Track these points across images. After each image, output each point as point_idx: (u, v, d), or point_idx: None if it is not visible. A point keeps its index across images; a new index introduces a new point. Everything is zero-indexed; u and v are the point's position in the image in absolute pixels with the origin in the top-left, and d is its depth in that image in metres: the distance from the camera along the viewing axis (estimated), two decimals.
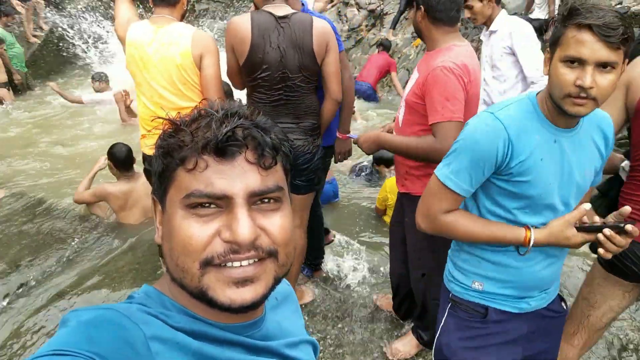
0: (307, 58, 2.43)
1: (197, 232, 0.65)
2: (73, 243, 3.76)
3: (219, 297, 0.65)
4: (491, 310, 1.56)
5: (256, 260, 0.67)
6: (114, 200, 3.97)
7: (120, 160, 3.87)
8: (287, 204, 0.72)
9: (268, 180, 0.68)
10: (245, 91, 2.62)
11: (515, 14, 7.57)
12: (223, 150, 0.65)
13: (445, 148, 1.70)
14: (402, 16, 9.78)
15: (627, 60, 1.30)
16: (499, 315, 1.56)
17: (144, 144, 2.65)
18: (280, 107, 2.48)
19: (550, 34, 2.62)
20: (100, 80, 7.31)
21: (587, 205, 1.39)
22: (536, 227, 1.45)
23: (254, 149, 0.67)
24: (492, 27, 3.24)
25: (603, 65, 1.24)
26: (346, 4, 11.05)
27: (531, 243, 1.43)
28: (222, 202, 0.65)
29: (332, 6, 11.58)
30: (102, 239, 3.87)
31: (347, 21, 10.74)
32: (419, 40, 8.96)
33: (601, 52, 1.22)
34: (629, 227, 1.34)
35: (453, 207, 1.49)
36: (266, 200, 0.68)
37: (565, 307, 1.71)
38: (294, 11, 2.47)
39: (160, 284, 0.74)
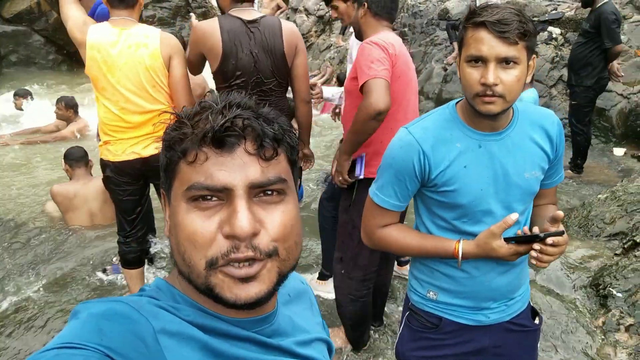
0: (279, 62, 2.46)
1: (201, 227, 0.64)
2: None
3: (225, 293, 0.65)
4: (445, 321, 1.53)
5: (255, 259, 0.66)
6: (59, 200, 3.92)
7: (74, 156, 3.89)
8: (292, 197, 0.71)
9: (269, 171, 0.67)
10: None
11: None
12: (221, 141, 0.65)
13: (373, 103, 1.85)
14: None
15: (533, 56, 1.32)
16: (453, 326, 1.52)
17: (107, 151, 2.55)
18: None
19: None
20: (25, 96, 6.84)
21: (514, 215, 1.31)
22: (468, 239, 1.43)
23: (253, 139, 0.66)
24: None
25: (505, 62, 1.24)
26: (295, 10, 11.13)
27: (459, 255, 1.40)
28: (222, 195, 0.65)
29: (281, 12, 11.64)
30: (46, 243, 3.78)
31: (297, 27, 10.81)
32: None
33: (499, 48, 1.23)
34: (562, 238, 1.29)
35: (388, 222, 1.50)
36: (269, 192, 0.67)
37: (537, 322, 1.63)
38: (261, 15, 2.49)
39: (172, 277, 0.74)
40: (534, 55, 1.32)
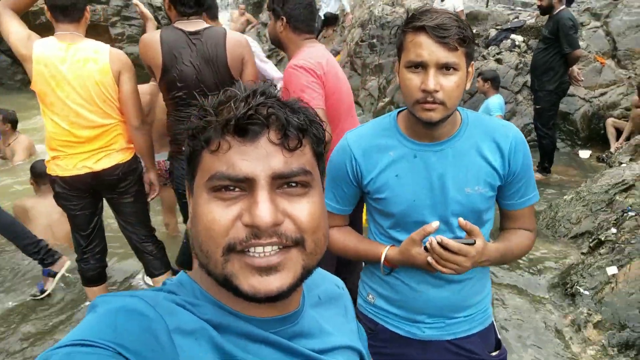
0: (222, 74, 2.43)
1: (219, 216, 0.62)
2: None
3: (243, 285, 0.62)
4: (380, 327, 1.49)
5: (280, 247, 0.63)
6: (17, 213, 3.84)
7: (40, 171, 3.80)
8: (317, 190, 0.68)
9: (293, 162, 0.64)
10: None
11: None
12: (244, 129, 0.63)
13: None
14: (320, 35, 10.05)
15: (472, 63, 1.28)
16: (388, 334, 1.48)
17: (56, 166, 2.51)
18: None
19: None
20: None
21: (435, 224, 1.26)
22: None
23: (277, 129, 0.64)
24: None
25: (445, 67, 1.21)
26: (265, 25, 11.19)
27: (382, 259, 1.38)
28: (245, 185, 0.63)
29: (252, 28, 11.70)
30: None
31: (267, 41, 10.86)
32: (338, 57, 9.24)
33: (439, 53, 1.19)
34: (478, 243, 1.25)
35: (333, 224, 1.49)
36: (293, 184, 0.65)
37: (495, 354, 1.50)
38: (207, 26, 2.46)
39: (194, 272, 0.72)
40: (472, 62, 1.29)
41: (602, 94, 6.55)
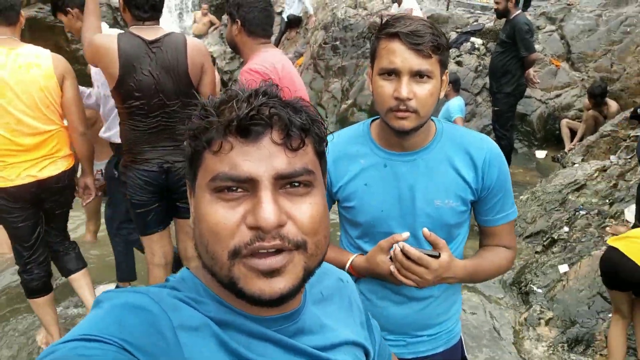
0: (183, 83, 2.38)
1: (223, 218, 0.62)
2: None
3: (249, 288, 0.62)
4: None
5: (283, 250, 0.63)
6: None
7: None
8: (319, 190, 0.68)
9: (296, 162, 0.64)
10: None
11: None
12: (247, 130, 0.62)
13: None
14: (283, 37, 10.02)
15: (446, 71, 1.26)
16: None
17: None
18: (160, 132, 2.41)
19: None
20: None
21: (405, 234, 1.23)
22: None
23: (280, 129, 0.63)
24: None
25: (419, 75, 1.18)
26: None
27: (347, 267, 1.33)
28: (247, 185, 0.63)
29: (214, 29, 11.57)
30: None
31: None
32: (301, 60, 9.23)
33: (412, 60, 1.16)
34: (443, 257, 1.21)
35: None
36: (296, 184, 0.64)
37: None
38: (166, 32, 2.40)
39: (197, 268, 0.72)
40: (447, 70, 1.26)
41: (557, 96, 6.74)
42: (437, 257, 1.20)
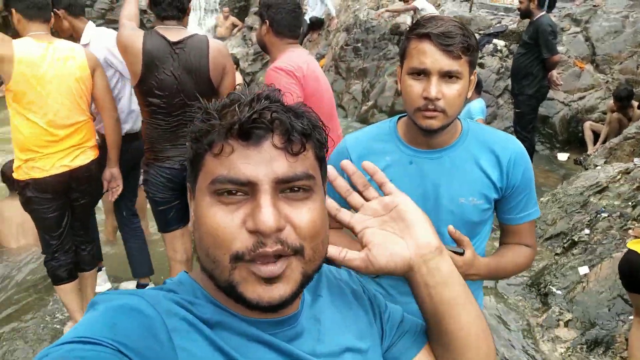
0: (204, 85, 2.43)
1: (223, 222, 0.62)
2: None
3: (248, 293, 0.63)
4: None
5: (282, 256, 0.64)
6: None
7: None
8: (319, 195, 0.68)
9: (296, 167, 0.64)
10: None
11: None
12: (248, 133, 0.63)
13: None
14: (305, 39, 10.09)
15: (475, 71, 1.28)
16: None
17: (32, 169, 2.50)
18: (181, 131, 2.48)
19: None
20: None
21: None
22: None
23: (281, 133, 0.64)
24: (82, 41, 2.90)
25: (448, 75, 1.20)
26: (250, 29, 11.21)
27: None
28: (247, 189, 0.63)
29: (238, 31, 11.71)
30: None
31: (252, 45, 10.89)
32: (323, 61, 9.28)
33: (442, 61, 1.19)
34: (467, 254, 1.23)
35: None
36: (295, 189, 0.65)
37: None
38: (189, 34, 2.46)
39: (195, 272, 0.73)
40: (475, 71, 1.28)
41: (580, 98, 6.65)
42: (461, 254, 1.21)
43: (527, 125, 5.51)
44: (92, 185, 2.75)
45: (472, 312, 0.80)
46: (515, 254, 1.42)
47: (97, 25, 3.01)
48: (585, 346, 2.82)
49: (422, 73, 1.21)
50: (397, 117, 1.42)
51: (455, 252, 1.21)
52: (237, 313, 0.68)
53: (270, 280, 0.63)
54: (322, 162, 0.72)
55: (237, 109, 0.64)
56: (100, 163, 2.75)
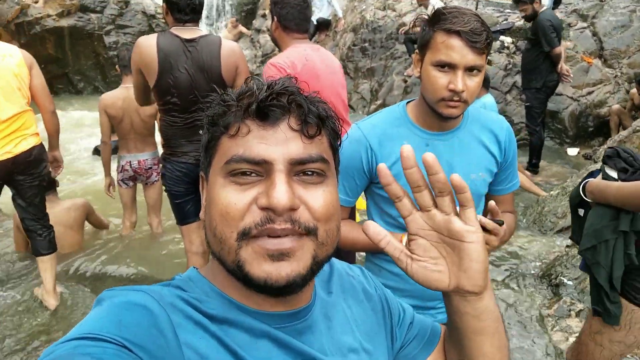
0: (216, 81, 2.48)
1: (235, 199, 0.62)
2: None
3: (255, 270, 0.62)
4: None
5: (293, 234, 0.63)
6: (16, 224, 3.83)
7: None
8: (332, 180, 0.69)
9: (311, 149, 0.65)
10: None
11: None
12: (265, 113, 0.63)
13: None
14: (312, 40, 10.15)
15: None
16: None
17: None
18: (195, 127, 2.55)
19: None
20: None
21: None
22: None
23: (297, 115, 0.64)
24: None
25: (470, 69, 1.29)
26: (258, 31, 11.30)
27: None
28: (261, 169, 0.63)
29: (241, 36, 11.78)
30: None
31: (260, 47, 10.97)
32: None
33: (469, 57, 1.27)
34: (500, 227, 1.28)
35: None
36: (309, 172, 0.65)
37: None
38: (203, 34, 2.53)
39: (205, 268, 0.73)
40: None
41: (589, 93, 6.65)
42: (502, 224, 1.28)
43: (537, 118, 5.55)
44: (36, 168, 2.98)
45: (496, 343, 0.76)
46: (510, 220, 1.55)
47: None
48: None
49: (447, 66, 1.29)
50: (404, 102, 1.49)
51: (498, 224, 1.27)
52: (248, 306, 0.67)
53: (278, 257, 0.61)
54: (335, 152, 0.72)
55: (255, 91, 0.65)
56: (43, 148, 3.03)
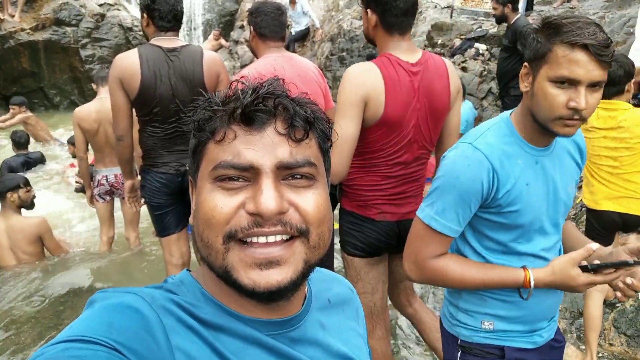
0: (198, 91, 2.49)
1: (221, 203, 0.62)
2: None
3: (242, 278, 0.61)
4: (507, 349, 1.40)
5: (284, 238, 0.62)
6: None
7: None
8: (321, 183, 0.67)
9: (298, 153, 0.64)
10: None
11: None
12: (251, 118, 0.62)
13: None
14: (290, 50, 10.21)
15: None
16: (516, 353, 1.40)
17: None
18: (176, 138, 2.54)
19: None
20: None
21: (594, 245, 1.23)
22: (532, 267, 1.32)
23: (284, 119, 0.63)
24: None
25: (593, 85, 1.17)
26: (236, 42, 11.32)
27: (532, 285, 1.29)
28: (249, 174, 0.62)
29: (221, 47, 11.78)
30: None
31: (238, 58, 10.98)
32: None
33: (595, 72, 1.15)
34: None
35: (442, 251, 1.35)
36: (298, 176, 0.64)
37: (562, 336, 1.57)
38: (184, 43, 2.54)
39: (197, 272, 0.72)
40: None
41: None
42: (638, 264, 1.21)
43: None
44: None
45: None
46: (568, 228, 1.53)
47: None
48: (575, 335, 2.89)
49: (568, 81, 1.18)
50: (507, 115, 1.37)
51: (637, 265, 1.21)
52: (239, 313, 0.66)
53: (267, 265, 0.61)
54: (325, 154, 0.71)
55: (240, 95, 0.64)
56: None
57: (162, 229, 2.70)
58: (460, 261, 1.37)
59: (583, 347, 2.77)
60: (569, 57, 1.16)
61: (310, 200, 0.64)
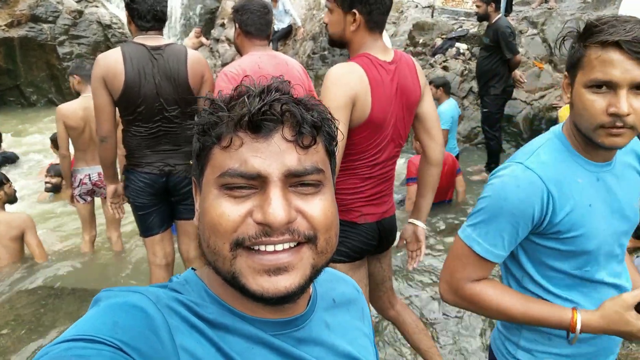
0: (182, 90, 2.47)
1: (228, 211, 0.61)
2: None
3: (251, 285, 0.61)
4: None
5: (292, 245, 0.62)
6: None
7: None
8: (328, 188, 0.67)
9: (306, 160, 0.63)
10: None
11: None
12: (258, 125, 0.61)
13: None
14: (276, 45, 10.18)
15: None
16: None
17: None
18: (160, 137, 2.52)
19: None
20: None
21: None
22: (582, 308, 1.19)
23: (291, 125, 0.62)
24: None
25: (637, 87, 1.04)
26: (217, 40, 11.23)
27: (578, 328, 1.15)
28: (256, 183, 0.61)
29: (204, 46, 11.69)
30: None
31: (219, 56, 10.91)
32: None
33: (634, 71, 1.03)
34: None
35: (480, 276, 1.23)
36: (306, 183, 0.63)
37: None
38: (167, 42, 2.52)
39: (201, 271, 0.71)
40: None
41: (541, 97, 6.91)
42: None
43: (495, 124, 5.71)
44: None
45: None
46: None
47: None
48: None
49: (604, 85, 1.07)
50: (559, 129, 1.24)
51: None
52: (244, 313, 0.66)
53: (275, 271, 0.61)
54: (331, 156, 0.70)
55: (246, 100, 0.62)
56: None
57: (145, 229, 2.67)
58: (499, 289, 1.24)
59: None
60: (602, 57, 1.05)
61: (318, 207, 0.64)
